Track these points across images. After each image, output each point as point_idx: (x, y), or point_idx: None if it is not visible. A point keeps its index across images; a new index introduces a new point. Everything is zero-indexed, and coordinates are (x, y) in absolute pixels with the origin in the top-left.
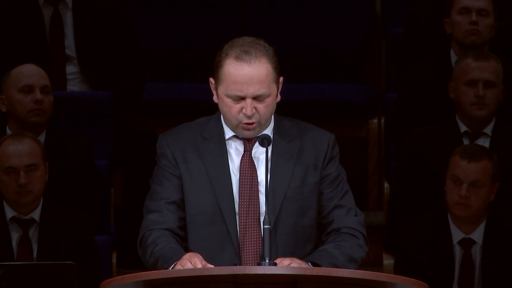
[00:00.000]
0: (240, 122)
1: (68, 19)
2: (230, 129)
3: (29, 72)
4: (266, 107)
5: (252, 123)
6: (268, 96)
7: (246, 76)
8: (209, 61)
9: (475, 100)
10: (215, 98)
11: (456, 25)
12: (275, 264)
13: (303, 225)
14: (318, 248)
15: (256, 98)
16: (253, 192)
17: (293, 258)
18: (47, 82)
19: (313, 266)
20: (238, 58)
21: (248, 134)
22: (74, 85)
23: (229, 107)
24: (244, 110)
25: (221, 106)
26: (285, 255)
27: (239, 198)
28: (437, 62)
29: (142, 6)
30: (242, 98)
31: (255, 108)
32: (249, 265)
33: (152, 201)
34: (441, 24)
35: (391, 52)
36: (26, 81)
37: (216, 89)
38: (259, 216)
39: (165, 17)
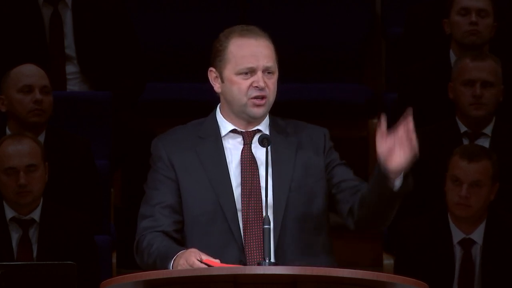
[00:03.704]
0: (250, 98)
1: (68, 18)
2: (236, 113)
3: (29, 72)
4: (273, 84)
5: (263, 97)
6: (274, 72)
7: (255, 49)
8: (209, 61)
9: (472, 100)
10: (217, 88)
11: (455, 26)
12: (275, 264)
13: (311, 215)
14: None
15: (265, 71)
16: (254, 186)
17: None
18: (47, 82)
19: None
20: (242, 35)
21: (257, 111)
22: (74, 85)
23: (239, 85)
24: (255, 84)
25: (228, 89)
26: (296, 247)
27: (241, 193)
28: (436, 62)
29: (142, 6)
30: (253, 72)
31: (265, 82)
32: (255, 261)
33: (146, 207)
34: (441, 24)
35: (391, 52)
36: (26, 81)
37: (221, 74)
38: (262, 211)
39: (165, 17)
